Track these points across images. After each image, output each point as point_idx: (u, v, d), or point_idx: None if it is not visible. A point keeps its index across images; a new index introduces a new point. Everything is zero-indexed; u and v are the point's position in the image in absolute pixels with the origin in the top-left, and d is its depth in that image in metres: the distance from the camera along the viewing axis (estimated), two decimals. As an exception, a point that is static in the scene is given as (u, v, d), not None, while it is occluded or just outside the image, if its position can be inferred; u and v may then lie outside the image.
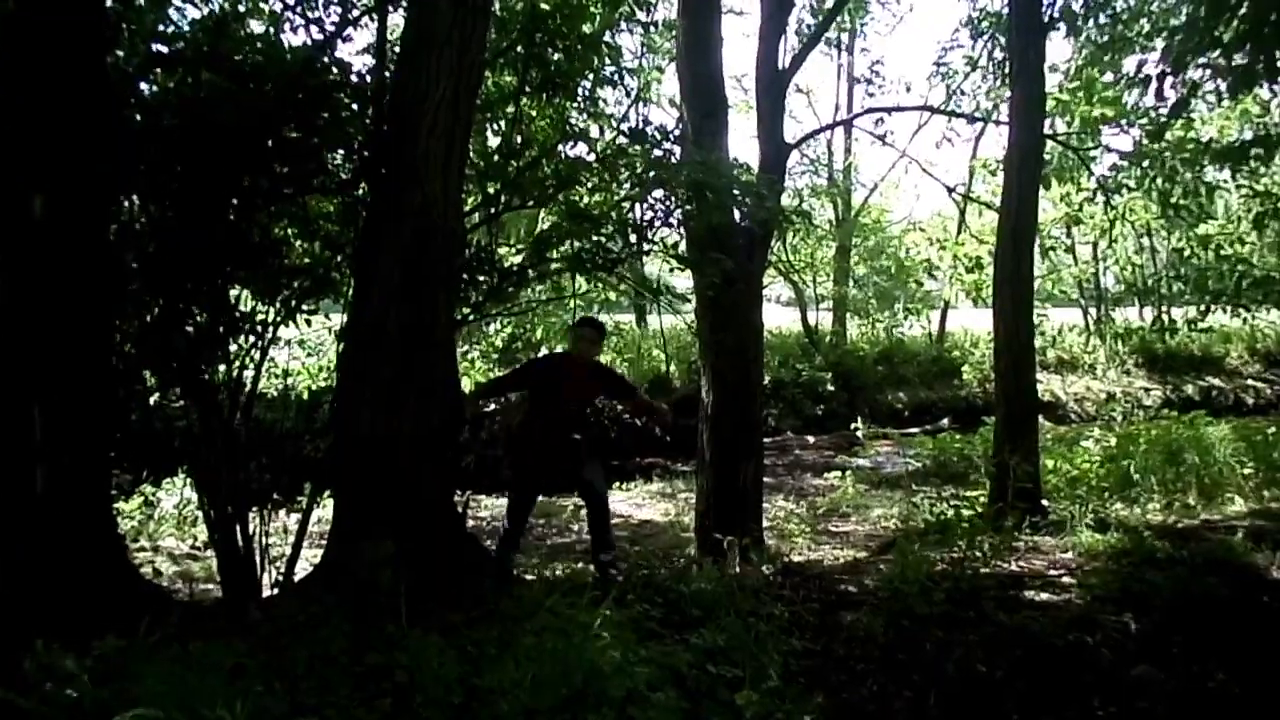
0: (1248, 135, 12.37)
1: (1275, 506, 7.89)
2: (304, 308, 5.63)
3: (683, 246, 7.23)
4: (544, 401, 6.11)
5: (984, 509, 7.16)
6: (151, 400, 5.47)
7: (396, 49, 5.46)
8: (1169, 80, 6.13)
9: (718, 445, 7.61)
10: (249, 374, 5.41)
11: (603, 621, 3.96)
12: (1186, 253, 13.66)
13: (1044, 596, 5.32)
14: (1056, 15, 9.48)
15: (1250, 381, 21.54)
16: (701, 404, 7.85)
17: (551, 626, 3.84)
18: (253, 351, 5.44)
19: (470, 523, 7.20)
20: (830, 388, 19.57)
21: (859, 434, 17.00)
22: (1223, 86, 5.92)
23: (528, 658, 3.56)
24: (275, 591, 5.35)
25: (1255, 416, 16.88)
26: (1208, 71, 6.32)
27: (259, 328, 5.39)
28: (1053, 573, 5.84)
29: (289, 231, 5.65)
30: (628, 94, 16.21)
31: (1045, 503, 7.92)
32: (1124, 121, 11.93)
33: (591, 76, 7.45)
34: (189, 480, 7.89)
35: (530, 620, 3.99)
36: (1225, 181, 11.76)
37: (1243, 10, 5.26)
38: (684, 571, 5.62)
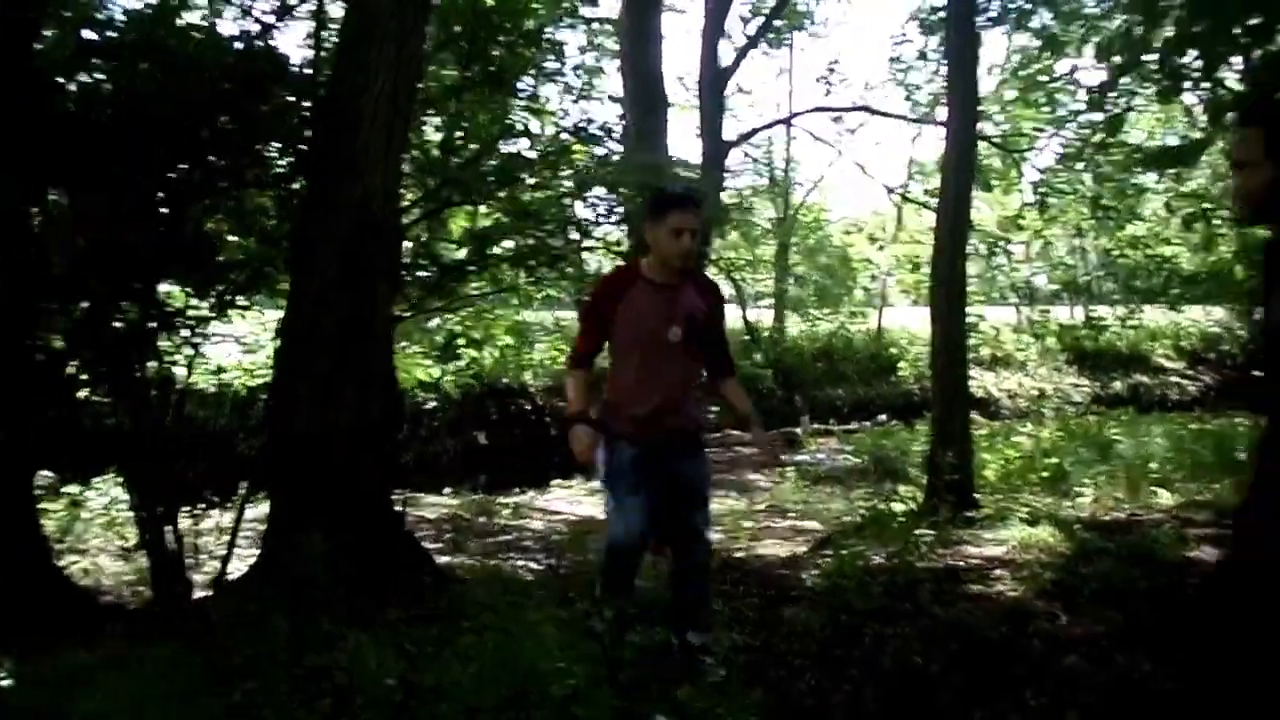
0: (1173, 140, 12.74)
1: (1200, 499, 8.09)
2: (238, 303, 5.53)
3: (625, 242, 7.24)
4: (632, 350, 3.82)
5: (919, 504, 7.24)
6: (79, 397, 5.33)
7: (335, 40, 5.39)
8: (1108, 93, 6.27)
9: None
10: (181, 370, 5.30)
11: (545, 621, 3.94)
12: (1115, 253, 14.02)
13: (978, 589, 5.40)
14: (995, 14, 9.65)
15: (1175, 379, 22.11)
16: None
17: (493, 626, 3.81)
18: (185, 348, 5.34)
19: (410, 517, 7.13)
20: (770, 385, 19.71)
21: (799, 431, 17.15)
22: (1153, 91, 6.07)
23: (468, 656, 3.53)
24: (211, 592, 5.25)
25: (1180, 412, 17.33)
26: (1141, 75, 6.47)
27: (191, 323, 5.28)
28: (987, 566, 5.94)
29: (224, 226, 5.55)
30: (569, 90, 16.17)
31: (978, 497, 8.04)
32: (1057, 125, 12.22)
33: (534, 72, 7.42)
34: (118, 479, 7.70)
35: (471, 619, 3.96)
36: (1154, 183, 12.09)
37: (1178, 14, 5.38)
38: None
